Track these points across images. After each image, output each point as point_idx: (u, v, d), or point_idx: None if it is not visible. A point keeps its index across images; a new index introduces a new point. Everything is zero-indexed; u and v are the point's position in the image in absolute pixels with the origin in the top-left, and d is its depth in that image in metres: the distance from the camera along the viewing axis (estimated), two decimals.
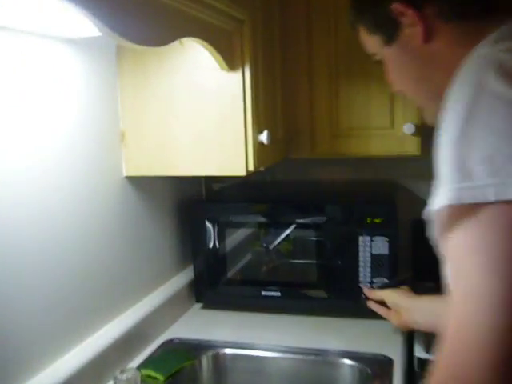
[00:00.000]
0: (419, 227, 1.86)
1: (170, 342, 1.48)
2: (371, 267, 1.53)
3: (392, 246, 1.51)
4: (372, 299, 1.42)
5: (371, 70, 1.56)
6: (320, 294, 1.60)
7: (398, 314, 1.32)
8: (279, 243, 1.68)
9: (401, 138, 1.58)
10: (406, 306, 1.30)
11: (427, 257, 1.85)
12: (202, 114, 1.31)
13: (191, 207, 1.67)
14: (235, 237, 1.73)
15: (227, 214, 1.65)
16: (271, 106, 1.50)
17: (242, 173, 1.31)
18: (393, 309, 1.35)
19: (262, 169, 1.42)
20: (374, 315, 1.43)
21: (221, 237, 1.66)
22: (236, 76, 1.28)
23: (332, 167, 1.97)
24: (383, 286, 1.43)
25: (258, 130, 1.33)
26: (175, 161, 1.35)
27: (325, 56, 1.61)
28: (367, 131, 1.61)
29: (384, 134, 1.60)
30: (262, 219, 1.64)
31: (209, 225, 1.64)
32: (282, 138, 1.61)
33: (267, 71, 1.45)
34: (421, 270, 1.85)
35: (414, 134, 1.56)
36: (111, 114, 1.35)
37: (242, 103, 1.28)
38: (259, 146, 1.34)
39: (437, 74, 0.80)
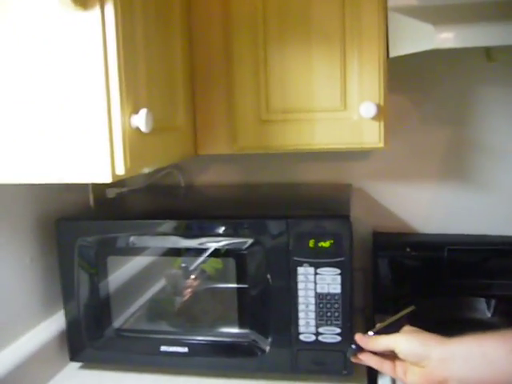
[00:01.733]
0: (382, 243, 1.41)
1: None
2: (316, 312, 1.05)
3: (345, 280, 1.03)
4: (369, 350, 0.92)
5: (314, 32, 1.10)
6: (244, 348, 1.11)
7: (424, 370, 0.84)
8: (203, 262, 1.18)
9: (356, 124, 1.11)
10: (438, 355, 0.82)
11: (392, 280, 1.41)
12: (34, 83, 0.81)
13: (60, 227, 1.15)
14: (130, 267, 1.22)
15: (118, 236, 1.13)
16: (162, 73, 1.00)
17: (106, 178, 0.81)
18: (406, 361, 0.87)
19: (146, 171, 0.92)
20: (323, 373, 1.02)
21: (106, 268, 1.15)
22: (91, 20, 0.78)
23: (262, 167, 1.49)
24: (386, 329, 0.92)
25: (130, 108, 0.83)
26: None
27: (247, 14, 1.13)
28: (309, 114, 1.13)
29: (333, 119, 1.13)
30: (165, 243, 1.14)
31: (88, 252, 1.13)
32: (184, 124, 1.11)
33: (154, 19, 0.96)
34: (384, 299, 1.40)
35: (374, 118, 1.09)
36: None
37: (102, 63, 0.78)
38: (135, 135, 0.84)
39: None
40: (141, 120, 0.82)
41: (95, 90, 0.78)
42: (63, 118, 0.80)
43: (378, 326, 0.94)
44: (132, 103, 0.83)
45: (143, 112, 0.83)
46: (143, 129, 0.82)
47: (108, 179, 0.81)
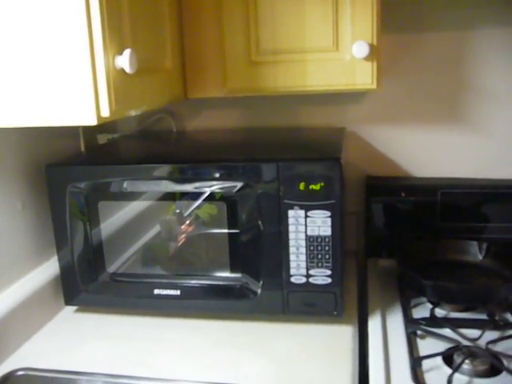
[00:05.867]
0: (375, 187, 1.41)
1: (11, 375, 0.98)
2: (306, 254, 1.06)
3: (336, 222, 1.03)
4: None
5: None
6: (236, 291, 1.12)
7: None
8: (197, 207, 1.18)
9: (349, 64, 1.09)
10: None
11: (385, 224, 1.41)
12: (13, 27, 0.78)
13: (50, 173, 1.14)
14: (124, 213, 1.22)
15: (108, 181, 1.13)
16: (147, 13, 0.97)
17: (91, 121, 0.80)
18: None
19: (133, 113, 0.91)
20: (314, 314, 1.05)
21: (98, 214, 1.15)
22: None
23: (254, 111, 1.47)
24: None
25: (114, 49, 0.81)
26: None
27: None
28: (301, 55, 1.11)
29: (325, 59, 1.10)
30: (156, 187, 1.13)
31: (79, 198, 1.13)
32: (172, 66, 1.09)
33: None
34: (376, 243, 1.42)
35: (367, 58, 1.07)
36: None
37: (84, 2, 0.76)
38: (119, 77, 0.82)
39: None
40: (125, 61, 0.80)
41: (77, 31, 0.76)
42: (46, 61, 0.78)
43: None
44: (116, 44, 0.81)
45: (127, 52, 0.80)
46: (127, 70, 0.81)
47: (93, 121, 0.79)
